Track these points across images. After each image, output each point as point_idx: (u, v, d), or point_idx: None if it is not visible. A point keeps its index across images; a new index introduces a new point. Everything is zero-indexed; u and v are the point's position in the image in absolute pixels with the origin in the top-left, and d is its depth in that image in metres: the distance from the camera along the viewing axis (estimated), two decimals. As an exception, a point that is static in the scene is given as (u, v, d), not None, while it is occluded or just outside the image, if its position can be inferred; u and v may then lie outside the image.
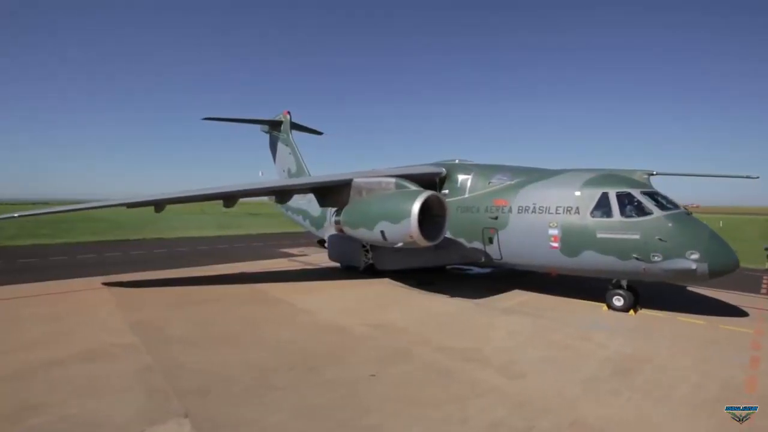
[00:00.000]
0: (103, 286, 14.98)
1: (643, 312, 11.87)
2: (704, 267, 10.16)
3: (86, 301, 12.80)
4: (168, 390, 6.82)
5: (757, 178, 10.93)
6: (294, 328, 10.31)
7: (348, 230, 14.37)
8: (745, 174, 11.29)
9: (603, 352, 8.78)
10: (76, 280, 15.91)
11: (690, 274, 10.41)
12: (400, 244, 12.50)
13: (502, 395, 6.76)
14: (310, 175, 27.64)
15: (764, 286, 16.42)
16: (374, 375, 7.52)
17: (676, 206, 11.16)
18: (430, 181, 15.42)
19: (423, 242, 12.08)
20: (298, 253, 25.85)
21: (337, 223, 15.12)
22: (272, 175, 32.37)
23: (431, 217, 12.74)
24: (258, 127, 32.64)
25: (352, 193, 14.83)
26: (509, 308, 12.39)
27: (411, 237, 11.94)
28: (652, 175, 12.10)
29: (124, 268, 18.45)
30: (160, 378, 7.28)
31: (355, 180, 14.69)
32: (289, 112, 30.62)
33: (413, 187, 13.18)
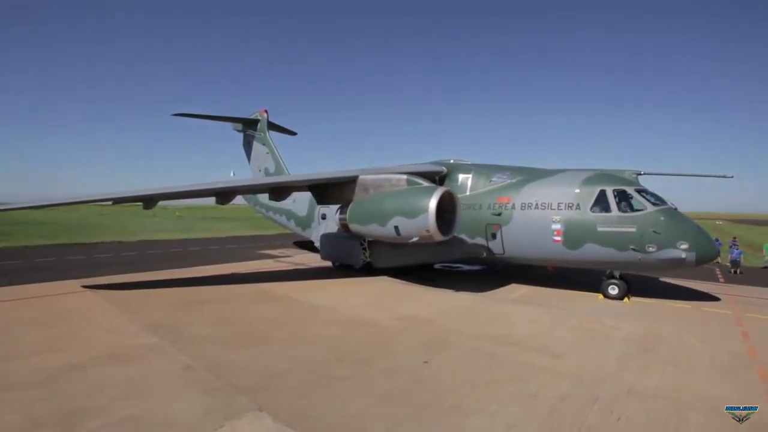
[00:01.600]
0: (85, 289, 13.75)
1: (635, 299, 13.04)
2: (692, 256, 11.44)
3: (74, 304, 11.71)
4: (225, 387, 6.51)
5: (732, 177, 12.52)
6: (323, 324, 10.17)
7: (356, 227, 14.37)
8: (721, 174, 12.86)
9: (619, 333, 9.58)
10: (49, 284, 14.45)
11: (680, 263, 11.66)
12: (415, 239, 12.75)
13: (554, 372, 7.21)
14: (289, 174, 27.13)
15: (719, 276, 18.62)
16: (427, 362, 7.68)
17: (664, 202, 12.42)
18: (431, 180, 15.79)
19: (439, 236, 12.42)
20: (280, 255, 25.20)
21: (342, 220, 15.04)
22: (245, 175, 31.31)
23: (442, 213, 13.13)
24: (230, 125, 31.60)
25: (357, 189, 14.86)
26: (517, 299, 13.06)
27: (428, 231, 12.23)
28: (640, 174, 13.39)
29: (97, 271, 17.01)
30: (208, 377, 6.92)
31: (361, 177, 14.74)
32: (266, 111, 29.85)
33: (425, 184, 13.51)
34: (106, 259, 21.46)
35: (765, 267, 21.77)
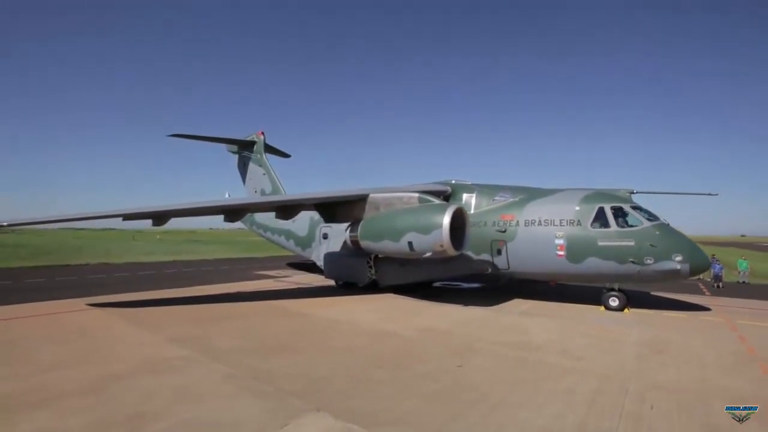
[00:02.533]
0: (91, 307, 13.52)
1: (634, 310, 13.78)
2: (687, 267, 12.36)
3: (87, 321, 11.55)
4: (275, 392, 6.64)
5: (717, 195, 13.72)
6: (347, 336, 10.39)
7: (368, 243, 14.76)
8: (706, 192, 14.06)
9: (630, 338, 10.21)
10: (52, 302, 14.15)
11: (676, 274, 12.54)
12: (428, 254, 13.24)
13: (582, 372, 7.69)
14: (286, 194, 27.43)
15: (704, 290, 19.80)
16: (461, 366, 8.04)
17: (657, 218, 13.42)
18: (437, 199, 16.48)
19: (452, 251, 12.97)
20: (278, 275, 25.17)
21: (353, 237, 15.40)
22: (240, 196, 31.34)
23: (452, 229, 13.72)
24: (225, 147, 31.88)
25: (368, 208, 15.35)
26: (525, 312, 13.60)
27: (441, 246, 12.77)
28: (633, 193, 14.45)
29: (94, 291, 16.71)
30: (254, 383, 7.05)
31: (372, 195, 15.28)
32: (263, 133, 30.36)
33: (437, 201, 14.14)
34: (99, 279, 20.98)
35: (742, 282, 23.20)
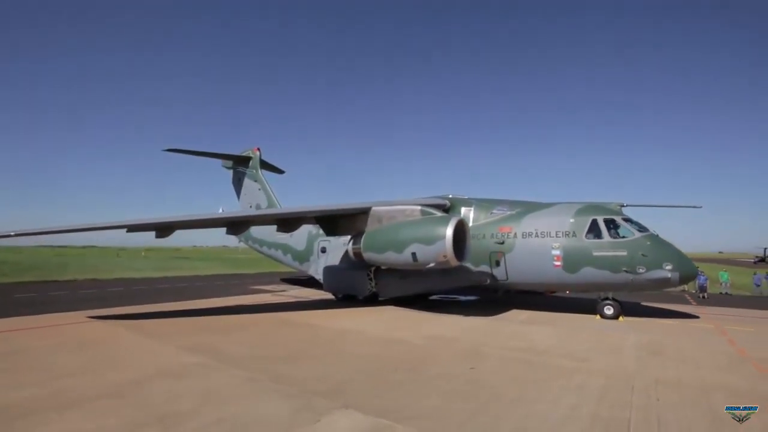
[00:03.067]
0: (92, 319, 13.39)
1: (627, 318, 14.33)
2: (676, 275, 13.03)
3: (92, 333, 11.45)
4: (300, 393, 6.78)
5: (701, 207, 14.57)
6: (357, 344, 10.57)
7: (371, 255, 15.07)
8: (690, 204, 14.91)
9: (628, 342, 10.68)
10: (52, 315, 13.95)
11: (666, 282, 13.19)
12: (431, 265, 13.62)
13: (588, 371, 8.08)
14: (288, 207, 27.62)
15: (690, 300, 20.60)
16: (473, 368, 8.34)
17: (646, 229, 14.15)
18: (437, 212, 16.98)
19: (455, 261, 13.39)
20: (274, 290, 25.02)
21: (355, 249, 15.68)
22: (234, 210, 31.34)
23: (454, 241, 14.16)
24: (220, 163, 32.06)
25: (370, 220, 15.73)
26: (524, 321, 14.00)
27: (445, 257, 13.19)
28: (623, 206, 15.23)
29: (89, 304, 16.42)
30: (277, 386, 7.18)
31: (375, 208, 15.69)
32: (259, 149, 30.69)
33: (439, 214, 14.63)
34: (92, 294, 20.57)
35: (725, 293, 24.17)
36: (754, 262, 70.50)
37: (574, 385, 7.23)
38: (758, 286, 24.82)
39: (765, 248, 78.86)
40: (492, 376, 7.81)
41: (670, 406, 6.24)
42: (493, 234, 15.79)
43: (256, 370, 8.11)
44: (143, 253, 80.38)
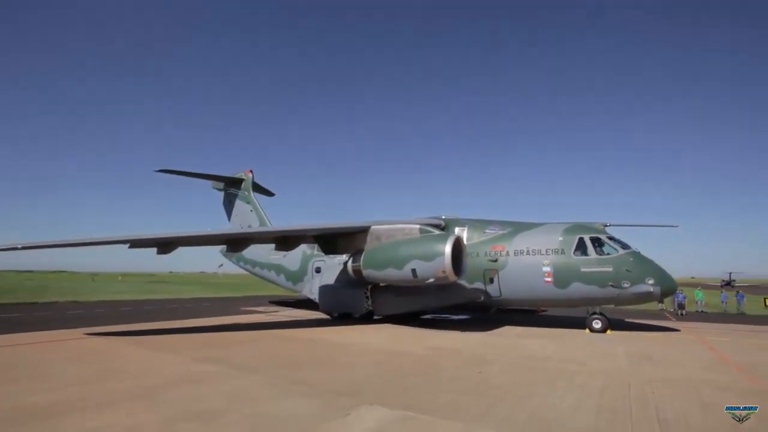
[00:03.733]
0: (91, 336, 13.23)
1: (614, 332, 15.10)
2: (658, 290, 13.98)
3: (95, 347, 11.39)
4: (323, 393, 7.09)
5: (677, 227, 15.79)
6: (363, 354, 10.89)
7: (371, 272, 15.52)
8: (668, 223, 16.14)
9: (620, 350, 11.38)
10: (48, 332, 13.71)
11: (649, 296, 14.12)
12: (431, 280, 14.18)
13: (588, 373, 8.67)
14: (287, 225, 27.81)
15: (669, 317, 21.68)
16: (481, 372, 8.82)
17: (629, 246, 15.19)
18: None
19: (453, 277, 14.00)
20: (266, 310, 24.86)
21: (355, 267, 16.09)
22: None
23: (452, 257, 14.81)
24: (210, 184, 32.22)
25: (369, 238, 16.28)
26: (519, 335, 14.57)
27: (444, 272, 13.79)
28: (607, 225, 16.33)
29: (80, 323, 16.15)
30: (298, 388, 7.43)
31: (374, 227, 16.28)
32: (251, 171, 31.10)
33: (437, 232, 15.32)
34: (79, 314, 20.04)
35: (701, 311, 25.46)
36: (721, 285, 74.06)
37: (577, 384, 7.80)
38: (724, 302, 26.58)
39: (730, 273, 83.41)
40: (500, 378, 8.30)
41: (665, 398, 6.87)
42: (486, 252, 16.54)
43: (273, 375, 8.37)
44: (119, 278, 77.87)
